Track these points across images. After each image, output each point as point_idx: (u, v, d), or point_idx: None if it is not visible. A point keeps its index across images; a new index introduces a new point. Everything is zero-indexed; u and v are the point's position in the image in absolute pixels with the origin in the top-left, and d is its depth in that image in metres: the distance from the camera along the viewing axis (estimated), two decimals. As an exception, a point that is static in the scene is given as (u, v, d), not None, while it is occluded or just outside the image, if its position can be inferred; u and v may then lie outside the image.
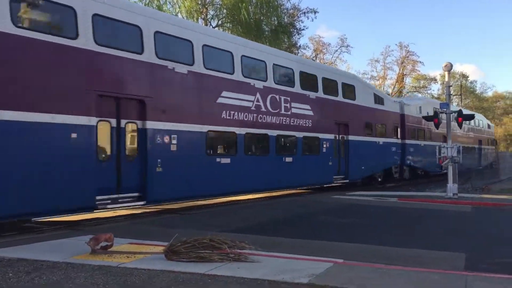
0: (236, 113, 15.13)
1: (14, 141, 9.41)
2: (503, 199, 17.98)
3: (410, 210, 14.55)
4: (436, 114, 19.69)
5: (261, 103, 16.17)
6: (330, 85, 20.06)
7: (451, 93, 21.67)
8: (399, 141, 26.19)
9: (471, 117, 22.43)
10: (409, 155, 27.07)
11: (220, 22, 32.13)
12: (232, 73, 15.07)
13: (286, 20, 35.42)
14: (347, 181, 21.21)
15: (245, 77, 15.57)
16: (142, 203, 12.17)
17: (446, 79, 20.60)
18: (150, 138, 12.20)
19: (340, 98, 20.65)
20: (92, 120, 10.80)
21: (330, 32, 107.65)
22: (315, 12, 38.43)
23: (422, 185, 25.90)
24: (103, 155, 11.38)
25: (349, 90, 21.41)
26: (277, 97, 16.89)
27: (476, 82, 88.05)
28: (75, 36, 10.65)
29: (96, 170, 10.88)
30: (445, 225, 11.99)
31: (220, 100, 14.56)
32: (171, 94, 13.02)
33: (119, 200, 11.57)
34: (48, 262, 6.80)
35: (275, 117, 16.77)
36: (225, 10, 30.99)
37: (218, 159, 14.49)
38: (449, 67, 19.28)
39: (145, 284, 5.80)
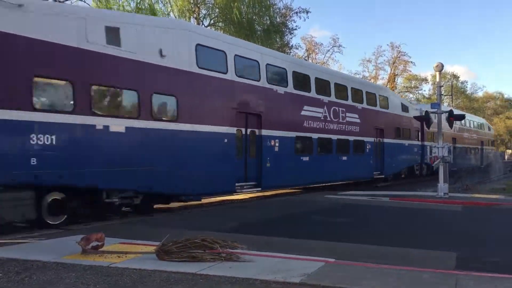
0: (312, 122, 19.49)
1: (195, 143, 13.66)
2: (493, 198, 18.12)
3: (401, 210, 14.62)
4: (427, 114, 19.80)
5: (327, 114, 20.47)
6: (371, 98, 24.40)
7: (442, 93, 22.09)
8: (420, 143, 30.91)
9: (462, 117, 22.65)
10: (428, 155, 29.85)
11: (212, 21, 32.08)
12: (309, 92, 19.44)
13: (278, 19, 35.44)
14: (383, 176, 25.56)
15: (317, 94, 19.90)
16: (258, 189, 16.78)
17: (437, 79, 20.72)
18: (263, 141, 16.70)
19: (378, 108, 25.21)
20: (233, 129, 15.37)
21: (323, 32, 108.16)
22: (307, 12, 38.56)
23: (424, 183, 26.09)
24: (238, 154, 15.71)
25: (384, 101, 25.86)
26: (337, 109, 21.22)
27: (466, 82, 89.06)
28: (226, 71, 15.14)
29: (235, 165, 15.39)
30: (436, 225, 12.06)
31: (302, 112, 18.96)
32: (275, 109, 17.36)
33: (245, 187, 16.02)
34: (39, 262, 6.75)
35: (335, 124, 21.13)
36: (217, 10, 30.94)
37: (301, 157, 18.90)
38: (440, 68, 19.38)
39: (137, 284, 5.77)
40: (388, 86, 61.30)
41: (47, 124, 10.12)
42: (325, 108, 20.29)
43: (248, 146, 16.16)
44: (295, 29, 39.34)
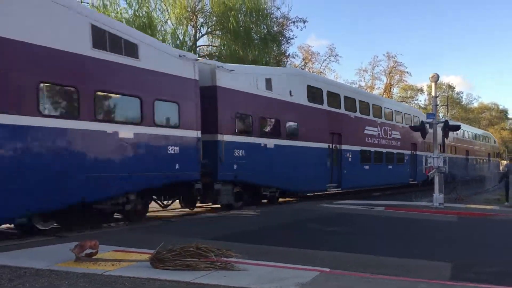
0: (370, 139, 24.90)
1: (309, 155, 19.55)
2: (488, 209, 18.16)
3: (396, 220, 14.62)
4: (422, 124, 19.88)
5: (380, 132, 25.93)
6: (408, 118, 29.84)
7: (438, 103, 22.71)
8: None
9: (457, 127, 22.75)
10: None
11: (209, 29, 32.17)
12: (369, 115, 24.99)
13: (275, 28, 35.52)
14: (416, 182, 29.84)
15: (373, 117, 25.40)
16: (339, 189, 22.41)
17: (433, 89, 20.82)
18: (343, 154, 22.06)
19: None
20: (329, 145, 21.10)
21: (320, 41, 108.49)
22: (304, 22, 38.64)
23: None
24: (329, 163, 21.01)
25: (416, 120, 29.90)
26: (386, 128, 26.65)
27: (462, 93, 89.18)
28: (322, 103, 20.83)
29: (327, 171, 21.01)
30: (431, 235, 12.06)
31: (365, 131, 24.44)
32: (349, 130, 22.72)
33: (330, 187, 21.45)
34: (32, 269, 6.69)
35: (384, 140, 26.46)
36: (214, 18, 31.03)
37: (364, 166, 24.06)
38: (436, 78, 19.49)
39: (130, 292, 5.73)
40: (384, 95, 61.62)
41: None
42: (379, 127, 25.74)
43: (332, 157, 21.34)
44: (292, 38, 39.41)
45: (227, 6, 28.76)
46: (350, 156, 22.79)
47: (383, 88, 62.89)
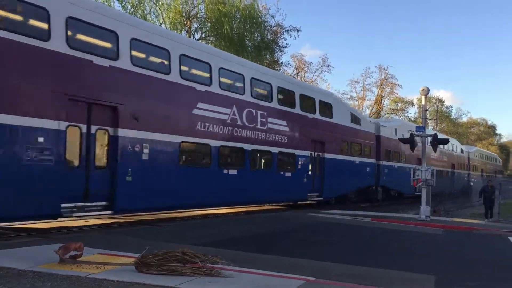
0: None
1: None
2: (474, 223, 18.30)
3: (383, 231, 14.67)
4: (411, 137, 20.04)
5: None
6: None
7: (427, 117, 23.08)
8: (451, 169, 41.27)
9: (446, 141, 22.96)
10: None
11: (203, 35, 32.23)
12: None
13: (269, 36, 35.71)
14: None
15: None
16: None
17: (423, 103, 21.03)
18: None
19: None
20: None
21: (314, 51, 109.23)
22: (298, 31, 38.91)
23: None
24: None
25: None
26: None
27: (451, 107, 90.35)
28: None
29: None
30: (417, 247, 12.12)
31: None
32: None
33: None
34: (14, 270, 6.62)
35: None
36: (209, 24, 31.11)
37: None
38: (426, 91, 19.67)
39: (114, 296, 5.69)
40: (375, 107, 62.06)
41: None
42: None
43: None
44: (286, 46, 39.75)
45: (222, 12, 28.86)
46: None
47: (374, 99, 63.33)
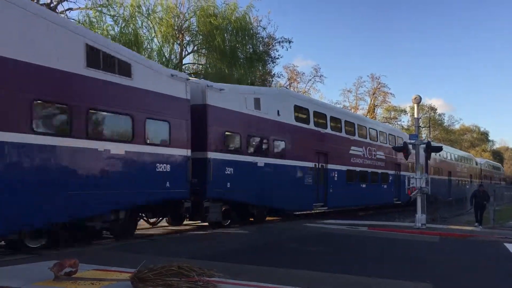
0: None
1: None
2: (469, 230, 18.32)
3: (379, 240, 14.65)
4: (405, 145, 20.12)
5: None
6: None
7: (420, 125, 23.21)
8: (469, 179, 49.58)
9: (439, 149, 23.05)
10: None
11: (195, 48, 32.32)
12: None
13: (261, 48, 35.87)
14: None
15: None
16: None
17: (416, 111, 21.16)
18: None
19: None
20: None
21: (306, 62, 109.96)
22: (289, 42, 39.13)
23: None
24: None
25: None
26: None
27: (444, 115, 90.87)
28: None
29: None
30: (413, 255, 12.11)
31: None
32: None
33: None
34: (8, 288, 6.54)
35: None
36: (200, 37, 31.21)
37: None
38: (418, 100, 19.78)
39: (110, 313, 5.63)
40: (368, 116, 62.30)
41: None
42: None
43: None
44: (278, 58, 39.86)
45: (214, 25, 28.97)
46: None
47: (367, 108, 63.60)
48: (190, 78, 15.39)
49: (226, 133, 15.90)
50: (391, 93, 64.13)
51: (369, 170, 26.63)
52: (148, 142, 12.62)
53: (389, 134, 30.29)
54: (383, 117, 68.81)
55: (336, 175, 23.03)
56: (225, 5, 30.36)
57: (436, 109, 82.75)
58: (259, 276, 8.02)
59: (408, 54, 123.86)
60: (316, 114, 21.91)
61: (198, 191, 14.46)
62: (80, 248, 11.16)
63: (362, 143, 26.12)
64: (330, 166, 22.52)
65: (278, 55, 40.80)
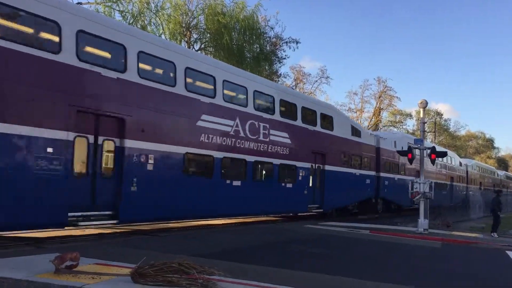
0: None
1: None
2: (472, 237, 18.25)
3: (380, 243, 14.62)
4: (409, 149, 20.07)
5: None
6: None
7: (426, 129, 23.19)
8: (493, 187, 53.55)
9: (444, 154, 22.97)
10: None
11: (203, 45, 32.37)
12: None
13: (268, 48, 35.89)
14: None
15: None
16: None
17: (421, 115, 21.09)
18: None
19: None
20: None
21: (313, 63, 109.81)
22: (297, 42, 39.14)
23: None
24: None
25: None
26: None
27: (450, 120, 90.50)
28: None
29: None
30: (414, 260, 12.07)
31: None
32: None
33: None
34: (10, 279, 6.56)
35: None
36: (208, 35, 31.26)
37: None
38: (424, 104, 19.72)
39: (109, 307, 5.64)
40: (373, 119, 62.18)
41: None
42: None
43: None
44: (285, 58, 39.86)
45: (221, 23, 29.02)
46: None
47: (373, 111, 63.49)
48: (377, 134, 27.58)
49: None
50: (397, 97, 64.11)
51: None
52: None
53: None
54: (388, 121, 68.70)
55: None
56: (233, 3, 30.44)
57: (442, 114, 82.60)
58: (260, 276, 8.02)
59: (416, 58, 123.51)
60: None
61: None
62: (82, 242, 11.20)
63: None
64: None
65: (285, 55, 40.86)
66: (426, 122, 23.40)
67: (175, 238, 13.00)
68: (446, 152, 24.91)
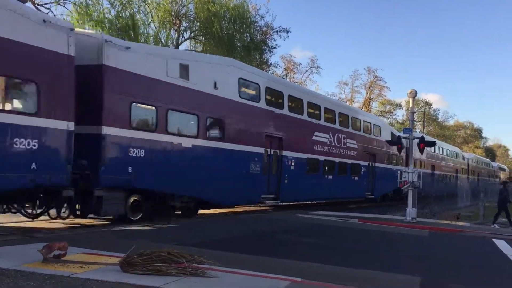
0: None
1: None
2: (459, 225, 18.46)
3: (369, 232, 14.74)
4: (399, 139, 20.18)
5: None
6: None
7: (415, 119, 23.26)
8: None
9: (433, 143, 23.14)
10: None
11: (192, 34, 32.11)
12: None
13: (258, 37, 35.71)
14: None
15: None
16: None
17: (411, 105, 21.18)
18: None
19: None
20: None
21: (305, 53, 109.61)
22: (287, 32, 38.96)
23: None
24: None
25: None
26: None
27: (439, 110, 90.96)
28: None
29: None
30: (402, 248, 12.19)
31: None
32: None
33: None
34: (-3, 269, 6.52)
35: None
36: (198, 23, 31.01)
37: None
38: (413, 94, 19.80)
39: (98, 296, 5.63)
40: (363, 109, 62.34)
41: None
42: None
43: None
44: (275, 47, 39.70)
45: (211, 12, 28.78)
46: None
47: (363, 101, 63.60)
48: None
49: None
50: (387, 87, 64.24)
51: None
52: None
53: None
54: (378, 111, 68.92)
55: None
56: (223, -9, 30.15)
57: (431, 104, 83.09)
58: (250, 265, 8.03)
59: (406, 48, 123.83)
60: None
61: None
62: (71, 232, 11.14)
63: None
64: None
65: (276, 44, 40.70)
66: (415, 112, 23.74)
67: (163, 228, 12.98)
68: (435, 141, 25.09)
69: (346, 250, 11.24)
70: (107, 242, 9.42)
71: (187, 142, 14.33)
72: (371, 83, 63.20)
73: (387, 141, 24.96)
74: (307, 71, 55.20)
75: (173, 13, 30.25)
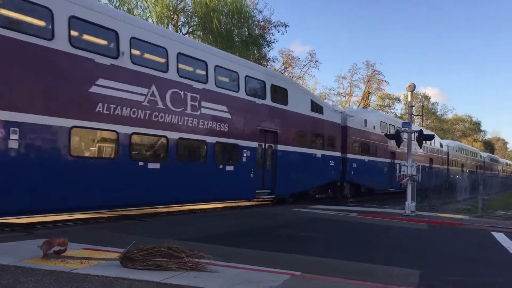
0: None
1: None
2: (458, 218, 18.49)
3: (369, 226, 14.77)
4: (397, 133, 20.17)
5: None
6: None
7: (414, 113, 23.21)
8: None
9: (431, 137, 23.13)
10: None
11: (190, 29, 32.04)
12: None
13: (257, 31, 35.65)
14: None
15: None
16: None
17: (409, 99, 21.18)
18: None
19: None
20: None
21: (304, 47, 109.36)
22: (285, 26, 38.89)
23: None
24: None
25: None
26: None
27: (437, 104, 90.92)
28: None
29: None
30: (402, 242, 12.22)
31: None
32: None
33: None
34: (-3, 265, 6.53)
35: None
36: (196, 18, 30.94)
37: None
38: (412, 88, 19.79)
39: (98, 291, 5.64)
40: (362, 103, 62.35)
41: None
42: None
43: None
44: (273, 42, 39.63)
45: (209, 7, 28.72)
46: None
47: (361, 95, 63.60)
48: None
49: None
50: (385, 81, 64.18)
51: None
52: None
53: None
54: (377, 105, 68.91)
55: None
56: (221, -14, 30.06)
57: (430, 98, 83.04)
58: (250, 259, 8.06)
59: (405, 42, 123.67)
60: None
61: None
62: (71, 227, 11.16)
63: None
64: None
65: (274, 39, 40.60)
66: (414, 106, 23.43)
67: (163, 223, 13.00)
68: (434, 135, 24.90)
69: (345, 243, 11.27)
70: (107, 237, 9.44)
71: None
72: (369, 77, 63.17)
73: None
74: (305, 65, 55.17)
75: (171, 8, 30.18)
